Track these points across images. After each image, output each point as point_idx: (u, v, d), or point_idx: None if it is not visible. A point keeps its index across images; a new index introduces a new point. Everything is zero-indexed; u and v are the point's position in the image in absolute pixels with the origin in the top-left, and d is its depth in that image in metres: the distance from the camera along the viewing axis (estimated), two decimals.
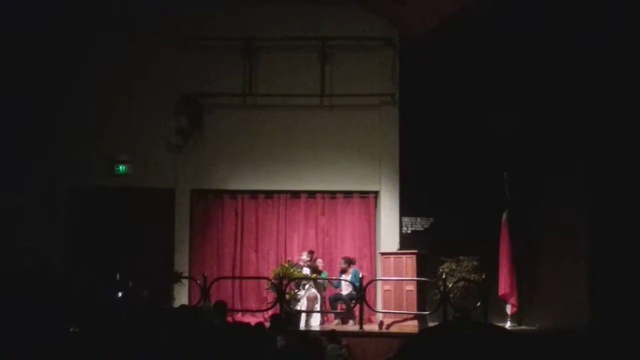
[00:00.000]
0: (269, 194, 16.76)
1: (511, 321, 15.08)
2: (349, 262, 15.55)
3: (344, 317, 15.17)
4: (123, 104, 16.44)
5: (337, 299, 15.51)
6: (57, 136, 16.25)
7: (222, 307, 11.88)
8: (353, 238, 16.60)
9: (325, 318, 15.38)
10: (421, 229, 16.24)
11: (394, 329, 14.28)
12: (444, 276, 14.48)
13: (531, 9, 13.75)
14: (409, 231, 16.20)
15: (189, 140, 16.47)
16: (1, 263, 13.79)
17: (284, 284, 14.41)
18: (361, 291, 14.41)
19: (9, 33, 15.85)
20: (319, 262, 15.77)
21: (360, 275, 14.84)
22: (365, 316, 14.71)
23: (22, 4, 15.84)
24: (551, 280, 14.41)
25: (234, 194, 16.77)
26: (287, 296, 14.52)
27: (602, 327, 12.19)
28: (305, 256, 15.68)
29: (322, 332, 12.01)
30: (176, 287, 15.25)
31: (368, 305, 14.84)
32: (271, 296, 15.25)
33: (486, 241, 15.15)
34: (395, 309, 14.49)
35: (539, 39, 14.13)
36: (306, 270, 15.35)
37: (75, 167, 16.23)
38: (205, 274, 14.91)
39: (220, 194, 16.80)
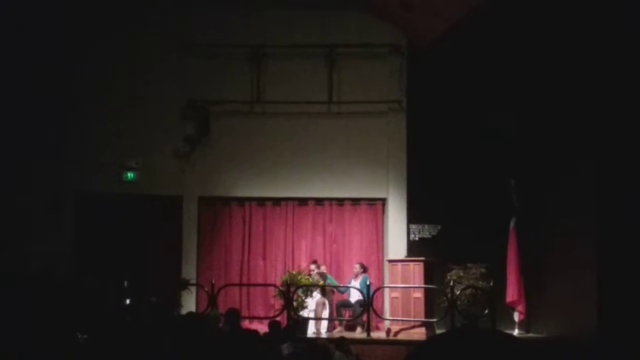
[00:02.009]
0: (277, 201, 16.76)
1: (519, 328, 15.04)
2: (364, 268, 15.57)
3: (352, 324, 15.16)
4: (130, 111, 16.47)
5: (343, 305, 15.52)
6: (65, 143, 16.29)
7: (234, 315, 11.86)
8: (360, 245, 16.58)
9: (331, 325, 15.35)
10: (429, 236, 16.22)
11: (401, 336, 14.25)
12: (451, 283, 14.45)
13: (538, 13, 13.74)
14: (417, 238, 16.19)
15: (196, 147, 16.48)
16: (8, 268, 13.80)
17: (292, 291, 14.41)
18: (369, 299, 14.39)
19: (13, 37, 15.89)
20: (323, 268, 15.77)
21: (368, 283, 14.83)
22: (373, 323, 14.71)
23: (27, 7, 15.89)
24: (559, 288, 14.37)
25: (241, 201, 16.78)
26: (295, 303, 14.51)
27: (610, 334, 12.14)
28: (314, 267, 15.65)
29: (330, 340, 11.98)
30: (184, 294, 15.24)
31: (375, 313, 14.82)
32: (278, 303, 15.25)
33: (494, 248, 15.13)
34: (402, 317, 14.46)
35: (547, 43, 14.12)
36: (317, 278, 15.33)
37: (83, 174, 16.26)
38: (213, 281, 14.92)
39: (227, 201, 16.81)
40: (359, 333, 14.55)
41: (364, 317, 14.56)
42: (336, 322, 15.42)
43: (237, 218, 16.78)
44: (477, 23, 14.29)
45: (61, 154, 16.22)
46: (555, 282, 14.62)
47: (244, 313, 15.81)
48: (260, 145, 16.58)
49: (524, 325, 15.15)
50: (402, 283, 14.57)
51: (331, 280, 15.64)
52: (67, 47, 16.32)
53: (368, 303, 14.38)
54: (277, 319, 13.29)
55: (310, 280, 15.09)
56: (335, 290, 15.77)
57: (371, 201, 16.66)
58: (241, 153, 16.60)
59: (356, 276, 15.46)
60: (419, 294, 14.43)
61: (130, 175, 16.51)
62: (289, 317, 14.19)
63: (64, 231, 16.08)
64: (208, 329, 10.26)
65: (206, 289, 14.92)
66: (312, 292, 14.99)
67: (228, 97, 16.58)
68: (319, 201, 16.76)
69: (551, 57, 14.19)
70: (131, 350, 8.00)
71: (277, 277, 16.00)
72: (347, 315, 15.58)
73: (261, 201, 16.77)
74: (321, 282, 15.22)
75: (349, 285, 15.46)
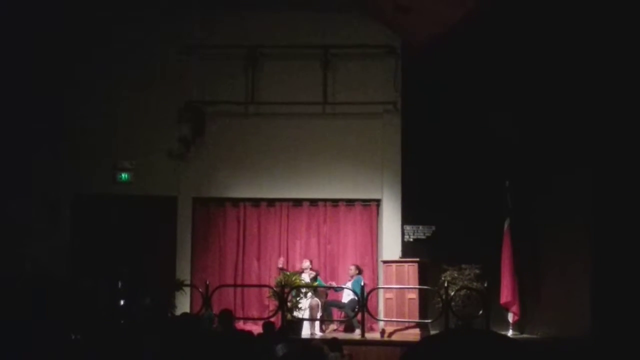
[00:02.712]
0: (271, 202, 16.76)
1: (513, 329, 15.07)
2: (359, 269, 15.59)
3: (350, 325, 15.16)
4: (126, 111, 16.45)
5: (331, 304, 15.55)
6: (60, 144, 16.26)
7: (228, 315, 11.86)
8: (355, 246, 16.59)
9: (323, 326, 15.35)
10: (423, 237, 16.23)
11: (395, 337, 14.25)
12: (446, 284, 14.45)
13: (534, 16, 13.76)
14: (411, 239, 16.20)
15: (191, 148, 16.48)
16: (4, 270, 13.79)
17: (286, 292, 14.41)
18: (363, 300, 14.39)
19: (12, 38, 15.87)
20: (307, 264, 15.75)
21: (362, 284, 14.82)
22: (367, 324, 14.70)
23: (27, 7, 15.87)
24: (553, 289, 14.40)
25: (236, 201, 16.77)
26: (289, 304, 14.51)
27: (604, 335, 12.17)
28: (307, 264, 15.71)
29: (323, 340, 11.98)
30: (178, 295, 15.22)
31: (370, 314, 14.82)
32: (273, 304, 15.25)
33: (488, 249, 15.16)
34: (397, 317, 14.46)
35: (542, 46, 14.14)
36: (305, 277, 15.36)
37: (78, 175, 16.24)
38: (207, 282, 14.90)
39: (222, 201, 16.80)
40: (357, 334, 14.51)
41: (359, 318, 14.56)
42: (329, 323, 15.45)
43: (231, 219, 16.77)
44: (473, 25, 14.30)
45: (57, 155, 16.20)
46: (549, 283, 14.65)
47: (238, 314, 15.80)
48: (254, 146, 16.58)
49: (518, 326, 15.18)
50: (396, 284, 14.57)
51: (320, 281, 15.64)
52: (65, 47, 16.30)
53: (362, 304, 14.38)
54: (272, 319, 13.29)
55: (301, 280, 15.11)
56: (327, 290, 15.78)
57: (366, 202, 16.66)
58: (236, 154, 16.59)
59: (351, 277, 15.48)
60: (414, 295, 14.43)
61: (124, 176, 16.49)
62: (283, 318, 14.19)
63: (59, 232, 16.05)
64: (202, 330, 10.26)
65: (200, 289, 14.92)
66: (306, 293, 15.00)
67: (223, 98, 16.58)
68: (313, 202, 16.76)
69: (546, 59, 14.20)
70: (124, 351, 8.00)
71: (272, 277, 16.00)
72: (337, 315, 15.64)
73: (256, 202, 16.77)
74: (314, 284, 15.24)
75: (343, 286, 15.47)
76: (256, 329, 13.03)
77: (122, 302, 13.40)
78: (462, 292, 14.72)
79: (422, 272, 14.56)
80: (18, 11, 15.80)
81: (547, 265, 14.73)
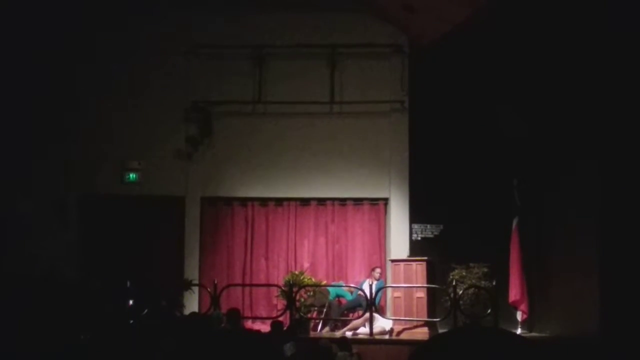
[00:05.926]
0: (279, 202, 16.76)
1: (522, 328, 15.03)
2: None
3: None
4: (133, 112, 16.46)
5: (347, 307, 15.49)
6: (67, 144, 16.29)
7: (235, 314, 11.88)
8: (363, 245, 16.57)
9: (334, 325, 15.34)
10: (431, 235, 16.21)
11: (404, 336, 14.25)
12: (454, 283, 14.44)
13: (540, 13, 13.74)
14: (419, 238, 16.17)
15: (199, 147, 16.48)
16: (12, 270, 13.82)
17: (294, 291, 14.42)
18: (371, 298, 14.39)
19: (14, 41, 15.89)
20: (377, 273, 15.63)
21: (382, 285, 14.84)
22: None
23: (28, 8, 15.89)
24: (562, 287, 14.37)
25: (243, 201, 16.77)
26: (298, 303, 14.52)
27: (613, 334, 12.14)
28: (378, 273, 15.51)
29: (332, 340, 11.99)
30: (186, 294, 15.24)
31: (378, 313, 14.82)
32: (281, 303, 15.26)
33: (496, 248, 15.13)
34: (405, 316, 14.46)
35: (549, 43, 14.11)
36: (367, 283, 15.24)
37: (86, 175, 16.27)
38: (216, 282, 14.92)
39: (230, 201, 16.80)
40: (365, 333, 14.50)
41: (366, 317, 14.55)
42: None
43: (239, 218, 16.77)
44: (479, 23, 14.28)
45: (64, 155, 16.22)
46: (558, 281, 14.62)
47: (247, 313, 15.81)
48: (262, 145, 16.58)
49: (526, 324, 15.15)
50: (404, 283, 14.57)
51: (339, 290, 15.55)
52: (69, 47, 16.33)
53: (371, 303, 14.37)
54: (280, 319, 13.30)
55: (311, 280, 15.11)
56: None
57: (373, 201, 16.64)
58: (243, 153, 16.59)
59: (376, 280, 15.33)
60: (422, 294, 14.43)
61: (132, 176, 16.51)
62: (291, 317, 14.20)
63: (67, 233, 16.07)
64: (210, 329, 10.28)
65: (209, 289, 14.94)
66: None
67: (230, 98, 16.58)
68: (321, 201, 16.74)
69: (554, 56, 14.19)
70: (134, 350, 8.02)
71: (280, 277, 16.01)
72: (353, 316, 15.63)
73: (263, 201, 16.77)
74: (323, 282, 15.23)
75: (355, 286, 15.44)
76: (265, 328, 13.05)
77: (130, 302, 13.42)
78: (471, 291, 14.70)
79: (430, 270, 14.56)
80: (20, 13, 15.82)
81: (556, 264, 14.70)
